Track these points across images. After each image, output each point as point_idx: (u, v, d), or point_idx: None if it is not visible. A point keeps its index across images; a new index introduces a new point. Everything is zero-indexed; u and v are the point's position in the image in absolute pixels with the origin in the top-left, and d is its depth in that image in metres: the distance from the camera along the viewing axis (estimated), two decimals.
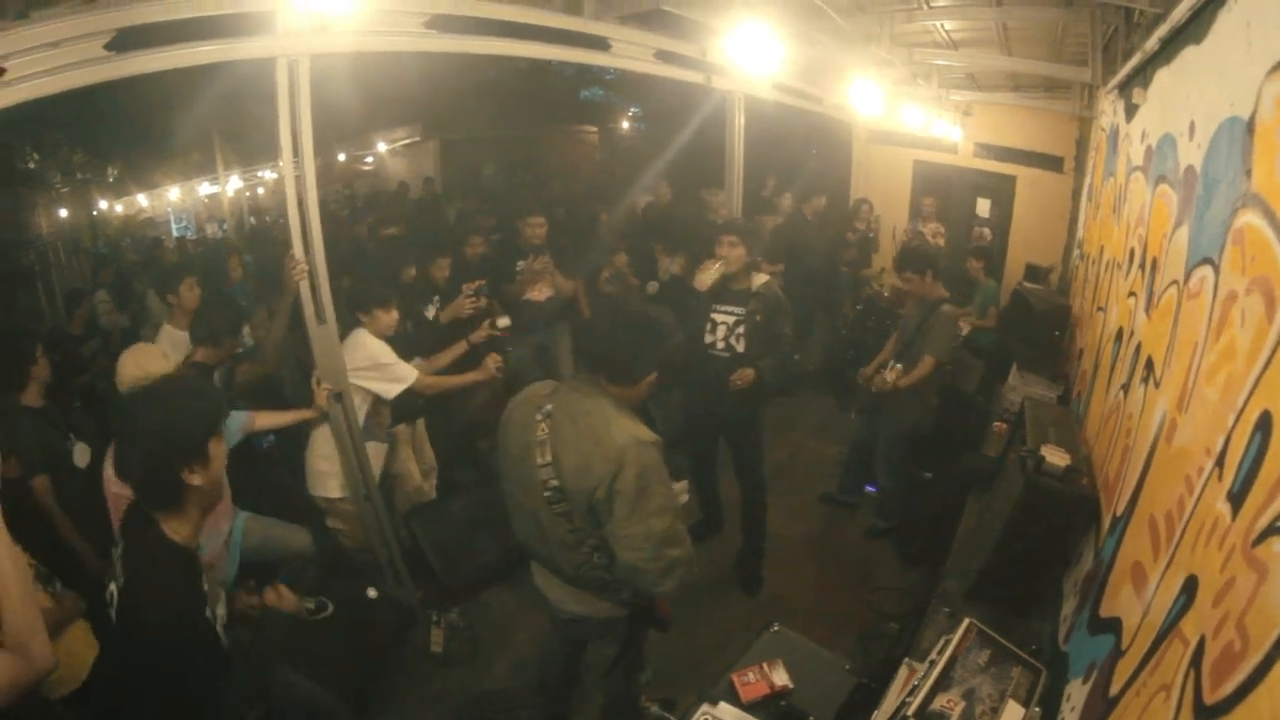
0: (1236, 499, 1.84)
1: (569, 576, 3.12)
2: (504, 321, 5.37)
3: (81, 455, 4.39)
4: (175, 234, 15.44)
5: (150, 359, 3.60)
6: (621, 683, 3.69)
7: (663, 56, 5.66)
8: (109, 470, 3.34)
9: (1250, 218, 2.11)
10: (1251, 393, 1.90)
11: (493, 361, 4.91)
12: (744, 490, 5.43)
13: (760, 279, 4.97)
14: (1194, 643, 1.84)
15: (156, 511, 2.32)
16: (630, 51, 5.40)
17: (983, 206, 9.96)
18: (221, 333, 4.55)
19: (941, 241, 9.23)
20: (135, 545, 2.34)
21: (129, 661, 2.35)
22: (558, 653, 3.84)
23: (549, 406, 2.99)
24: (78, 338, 7.53)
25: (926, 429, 5.71)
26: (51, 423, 4.43)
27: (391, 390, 4.63)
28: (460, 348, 5.24)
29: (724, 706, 2.96)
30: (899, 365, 5.49)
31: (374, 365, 4.58)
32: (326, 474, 4.66)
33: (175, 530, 2.34)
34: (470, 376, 4.97)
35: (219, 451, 2.38)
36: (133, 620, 2.26)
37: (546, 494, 2.92)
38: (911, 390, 5.42)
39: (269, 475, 5.27)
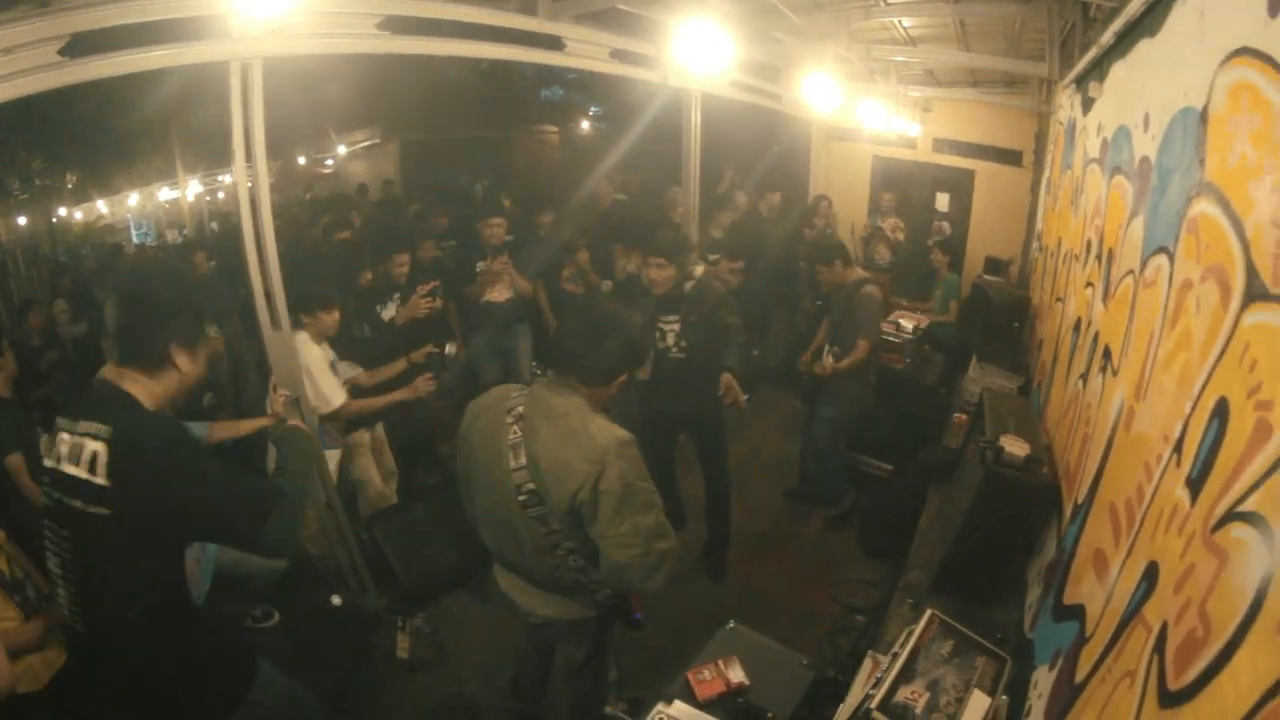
0: (1195, 485, 1.85)
1: (540, 580, 3.09)
2: (451, 349, 5.29)
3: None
4: (135, 240, 15.31)
5: None
6: (589, 684, 3.66)
7: (618, 55, 5.66)
8: None
9: (1204, 207, 2.13)
10: (1208, 380, 1.91)
11: (423, 382, 4.84)
12: (709, 482, 5.47)
13: (694, 275, 4.99)
14: (1156, 629, 1.84)
15: (130, 365, 2.37)
16: (585, 51, 5.41)
17: (942, 201, 10.03)
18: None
19: (901, 236, 9.31)
20: (98, 398, 2.38)
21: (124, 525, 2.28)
22: (531, 655, 3.81)
23: (520, 409, 2.94)
24: (36, 349, 7.34)
25: (867, 407, 5.83)
26: (20, 412, 4.70)
27: (317, 409, 4.58)
28: (400, 364, 5.16)
29: (679, 705, 2.93)
30: (835, 348, 5.60)
31: (306, 378, 4.53)
32: None
33: (135, 388, 2.37)
34: (398, 395, 4.91)
35: (202, 355, 2.50)
36: (130, 459, 2.24)
37: (522, 498, 2.86)
38: (850, 372, 5.53)
39: None
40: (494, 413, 3.01)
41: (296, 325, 4.54)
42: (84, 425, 2.26)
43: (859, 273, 5.77)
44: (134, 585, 2.35)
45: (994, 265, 8.46)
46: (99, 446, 2.22)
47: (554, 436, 2.83)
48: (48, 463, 2.32)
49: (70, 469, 2.25)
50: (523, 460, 2.85)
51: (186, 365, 2.44)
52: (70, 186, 14.05)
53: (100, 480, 2.21)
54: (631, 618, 3.32)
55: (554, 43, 5.14)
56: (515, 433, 2.89)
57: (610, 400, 3.09)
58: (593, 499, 2.75)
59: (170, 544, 2.41)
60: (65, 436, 2.29)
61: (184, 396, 2.58)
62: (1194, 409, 1.96)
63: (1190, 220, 2.23)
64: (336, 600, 4.49)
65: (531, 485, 2.84)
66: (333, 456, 4.79)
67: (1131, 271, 2.88)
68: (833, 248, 5.94)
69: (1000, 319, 6.49)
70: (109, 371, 2.43)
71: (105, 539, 2.28)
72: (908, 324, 6.92)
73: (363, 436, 5.26)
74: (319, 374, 4.56)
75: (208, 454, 2.47)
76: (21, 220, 13.09)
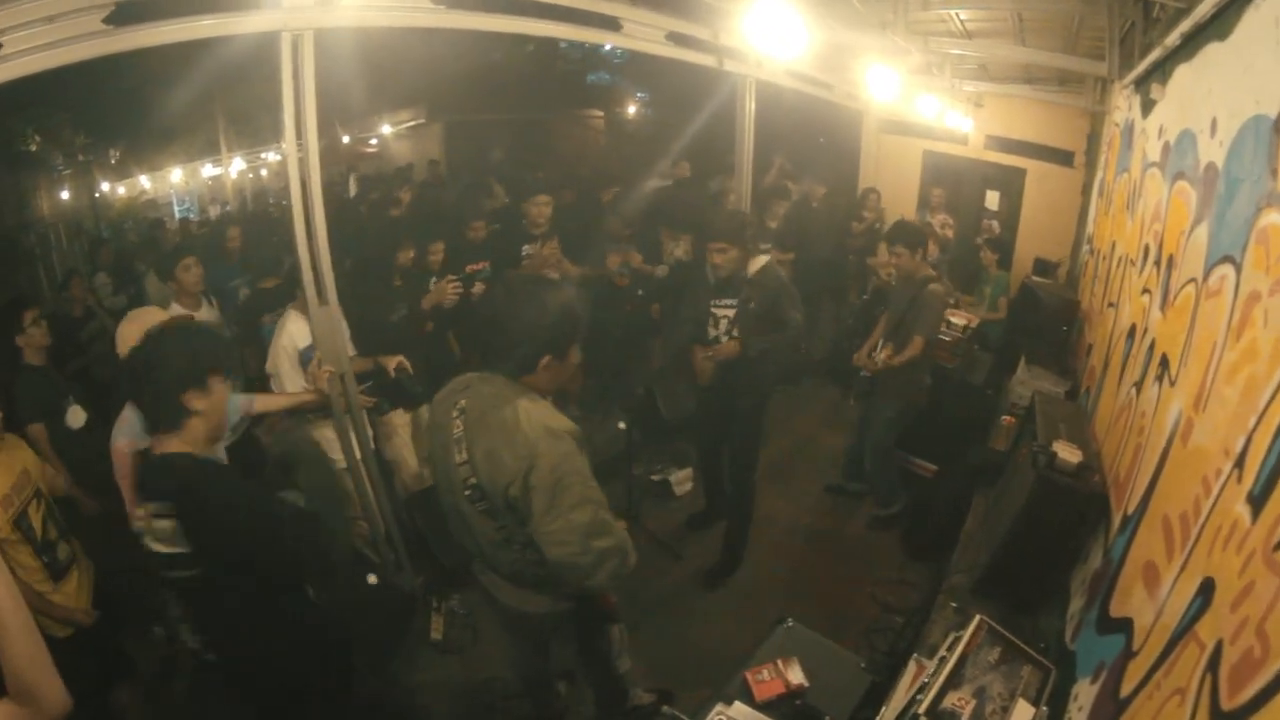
0: (1257, 502, 1.82)
1: (506, 574, 2.98)
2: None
3: (75, 416, 4.67)
4: (178, 215, 15.46)
5: (154, 320, 3.60)
6: (601, 674, 3.65)
7: (674, 38, 5.61)
8: (121, 440, 3.43)
9: (1275, 217, 2.08)
10: (1275, 395, 1.87)
11: (321, 373, 4.35)
12: (733, 475, 5.43)
13: (758, 263, 4.89)
14: (1211, 647, 1.82)
15: (162, 433, 2.59)
16: (641, 32, 5.36)
17: (992, 199, 9.89)
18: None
19: (950, 233, 9.21)
20: (154, 476, 2.59)
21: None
22: (521, 657, 3.71)
23: (463, 402, 2.82)
24: (77, 320, 7.44)
25: (919, 409, 5.72)
26: (50, 381, 4.76)
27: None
28: (365, 363, 4.91)
29: (738, 706, 2.89)
30: (890, 345, 5.50)
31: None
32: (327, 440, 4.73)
33: (174, 448, 2.59)
34: (299, 397, 4.48)
35: (220, 387, 2.67)
36: (199, 520, 2.51)
37: (467, 493, 2.78)
38: (904, 370, 5.43)
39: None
40: (445, 405, 2.90)
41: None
42: (149, 508, 2.53)
43: (928, 269, 5.62)
44: (252, 628, 2.69)
45: (1042, 267, 8.35)
46: (167, 523, 2.50)
47: (487, 431, 2.71)
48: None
49: (157, 548, 2.55)
50: (465, 455, 2.76)
51: (202, 405, 2.61)
52: (113, 162, 14.18)
53: (182, 549, 2.51)
54: (607, 613, 3.27)
55: (611, 23, 5.11)
56: (458, 427, 2.79)
57: (550, 385, 2.89)
58: (524, 494, 2.61)
59: (267, 580, 2.69)
60: (143, 513, 2.57)
61: (215, 432, 2.76)
62: (1258, 424, 1.92)
63: (1260, 231, 2.18)
64: (372, 579, 4.51)
65: (474, 480, 2.75)
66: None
67: (1193, 280, 2.83)
68: (920, 234, 5.73)
69: (1050, 322, 6.41)
70: (154, 445, 2.65)
71: (210, 598, 2.62)
72: (959, 321, 6.83)
73: (399, 417, 5.26)
74: (286, 360, 4.57)
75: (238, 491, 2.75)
76: (64, 195, 13.20)
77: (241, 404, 4.09)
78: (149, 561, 2.60)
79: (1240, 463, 1.97)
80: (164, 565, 2.56)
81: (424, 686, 4.41)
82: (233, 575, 2.58)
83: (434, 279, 5.73)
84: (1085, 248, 7.91)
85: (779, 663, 3.10)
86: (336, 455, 4.65)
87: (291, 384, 4.53)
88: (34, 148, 11.84)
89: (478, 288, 5.66)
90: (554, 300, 2.74)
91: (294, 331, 4.52)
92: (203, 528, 2.50)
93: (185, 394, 2.56)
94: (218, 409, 2.70)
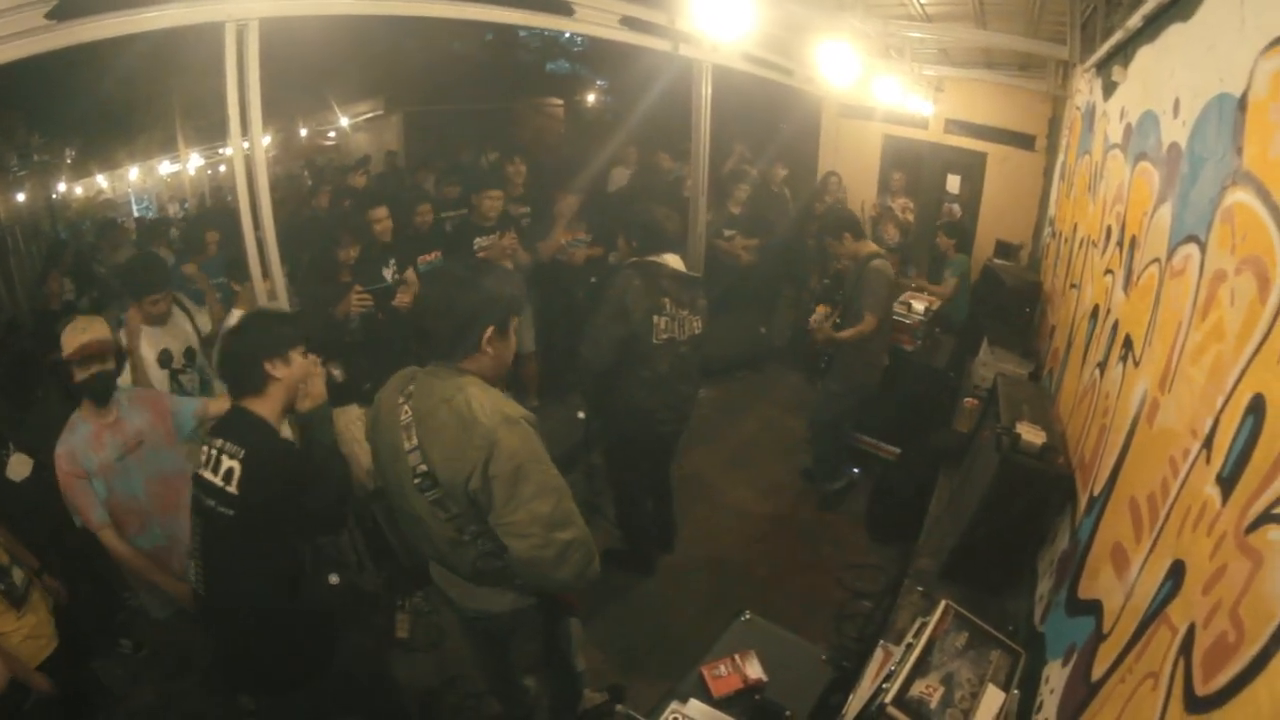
0: (1227, 483, 1.80)
1: (465, 574, 2.89)
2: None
3: (18, 467, 4.23)
4: (136, 214, 15.29)
5: (93, 325, 3.60)
6: (559, 678, 3.63)
7: (629, 23, 5.53)
8: (60, 449, 3.47)
9: (1241, 196, 2.06)
10: (1242, 374, 1.85)
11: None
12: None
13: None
14: (1183, 630, 1.80)
15: (244, 397, 2.93)
16: (595, 17, 5.28)
17: (953, 183, 9.91)
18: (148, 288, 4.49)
19: (910, 217, 9.23)
20: (235, 423, 2.91)
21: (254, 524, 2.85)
22: (483, 658, 3.67)
23: (411, 388, 2.77)
24: (55, 313, 7.33)
25: (872, 388, 5.71)
26: None
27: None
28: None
29: (694, 704, 2.83)
30: (836, 319, 5.54)
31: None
32: None
33: (258, 407, 2.92)
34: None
35: (300, 360, 3.01)
36: (257, 476, 2.79)
37: (416, 480, 2.70)
38: (858, 348, 5.43)
39: None
40: (391, 396, 2.85)
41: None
42: (220, 443, 2.83)
43: (871, 247, 5.63)
44: (244, 571, 2.90)
45: (1004, 249, 8.38)
46: (235, 464, 2.78)
47: (440, 423, 2.65)
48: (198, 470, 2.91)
49: (208, 476, 2.82)
50: (415, 441, 2.70)
51: (281, 374, 2.94)
52: (69, 162, 13.97)
53: (232, 490, 2.77)
54: (567, 608, 3.23)
55: (563, 8, 5.01)
56: (406, 414, 2.74)
57: (493, 368, 2.81)
58: (484, 485, 2.57)
59: (281, 541, 2.94)
60: (205, 449, 2.88)
61: (291, 400, 3.05)
62: (1226, 404, 1.91)
63: (1225, 210, 2.17)
64: (334, 579, 4.44)
65: (424, 467, 2.68)
66: None
67: (1157, 260, 2.83)
68: (842, 221, 5.76)
69: (1012, 303, 6.43)
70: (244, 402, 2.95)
71: (228, 534, 2.83)
72: (919, 305, 6.84)
73: (354, 411, 5.15)
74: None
75: (303, 466, 3.02)
76: (20, 196, 12.96)
77: (195, 409, 4.02)
78: (194, 485, 2.91)
79: (1209, 444, 1.96)
80: (204, 492, 2.83)
81: (390, 686, 4.34)
82: (266, 525, 2.84)
83: (393, 259, 5.71)
84: (1047, 230, 7.94)
85: (736, 657, 3.05)
86: None
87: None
88: None
89: (400, 296, 5.46)
90: (482, 277, 2.81)
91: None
92: (258, 480, 2.77)
93: (267, 361, 2.90)
94: (296, 379, 3.02)
